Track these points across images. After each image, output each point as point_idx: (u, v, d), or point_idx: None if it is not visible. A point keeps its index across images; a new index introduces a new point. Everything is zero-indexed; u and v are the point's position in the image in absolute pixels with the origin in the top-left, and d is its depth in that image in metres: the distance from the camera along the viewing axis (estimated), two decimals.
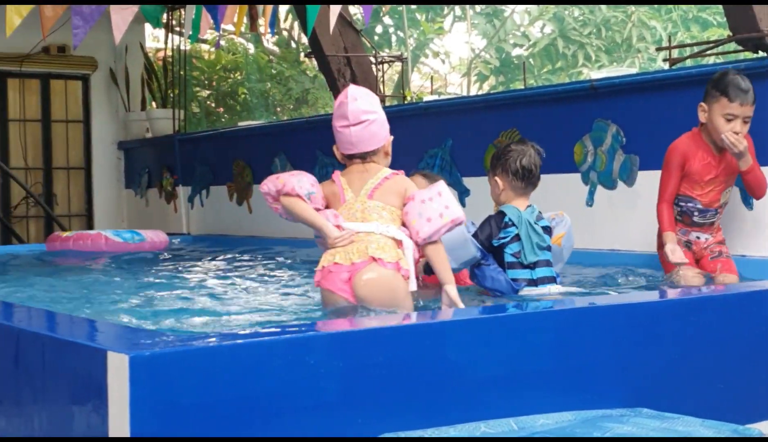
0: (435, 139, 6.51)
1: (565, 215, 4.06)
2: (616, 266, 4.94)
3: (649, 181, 5.17)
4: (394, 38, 17.37)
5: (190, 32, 8.09)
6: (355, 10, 11.60)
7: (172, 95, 10.06)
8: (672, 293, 3.31)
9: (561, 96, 5.75)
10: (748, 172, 4.29)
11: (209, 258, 6.77)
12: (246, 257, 6.69)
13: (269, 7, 7.90)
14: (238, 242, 8.04)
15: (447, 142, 6.43)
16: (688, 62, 6.52)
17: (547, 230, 3.90)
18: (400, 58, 9.51)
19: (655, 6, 15.97)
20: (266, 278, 5.27)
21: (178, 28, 9.86)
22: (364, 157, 3.50)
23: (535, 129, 5.84)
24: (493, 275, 3.74)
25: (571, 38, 16.11)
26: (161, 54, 11.42)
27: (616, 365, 2.67)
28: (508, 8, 16.79)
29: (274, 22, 8.37)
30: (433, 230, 3.36)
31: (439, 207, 3.37)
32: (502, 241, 3.78)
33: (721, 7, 6.17)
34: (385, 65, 9.27)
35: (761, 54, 5.16)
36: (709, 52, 5.90)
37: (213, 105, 15.45)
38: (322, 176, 7.48)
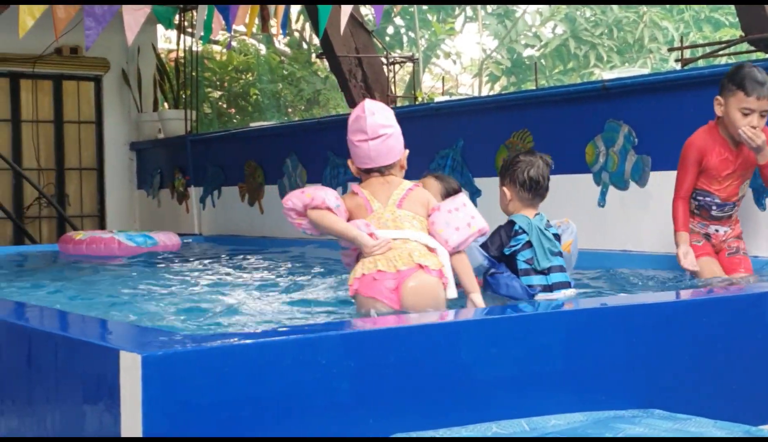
0: (446, 139, 6.51)
1: (571, 222, 4.05)
2: (629, 267, 4.93)
3: (661, 181, 5.15)
4: (405, 39, 17.37)
5: (202, 33, 8.11)
6: (367, 11, 11.61)
7: (184, 96, 10.08)
8: (684, 294, 3.29)
9: (573, 96, 5.74)
10: (766, 166, 4.24)
11: (221, 259, 6.78)
12: (258, 258, 6.70)
13: (281, 8, 7.90)
14: (249, 243, 8.05)
15: (458, 142, 6.43)
16: (701, 63, 6.50)
17: (557, 237, 3.90)
18: (411, 59, 9.52)
19: (667, 6, 15.93)
20: (278, 278, 5.27)
21: (190, 30, 9.89)
22: (382, 170, 3.48)
23: (546, 130, 5.83)
24: (507, 282, 3.74)
25: (583, 39, 16.09)
26: (173, 55, 11.45)
27: (628, 366, 2.66)
28: (520, 9, 16.77)
29: (285, 23, 8.37)
30: (462, 239, 3.39)
31: (465, 217, 3.42)
32: (514, 248, 3.77)
33: (733, 7, 6.15)
34: (397, 66, 9.27)
35: None
36: (721, 52, 5.88)
37: (225, 106, 15.48)
38: (334, 177, 7.51)
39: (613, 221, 5.45)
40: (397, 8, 16.38)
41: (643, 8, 15.70)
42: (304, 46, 16.53)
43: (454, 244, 3.38)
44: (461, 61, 18.39)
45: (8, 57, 9.62)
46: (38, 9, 6.66)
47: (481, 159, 6.24)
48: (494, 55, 17.30)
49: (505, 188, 3.89)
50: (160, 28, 10.90)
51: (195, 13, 8.81)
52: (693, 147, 4.30)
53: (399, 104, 8.99)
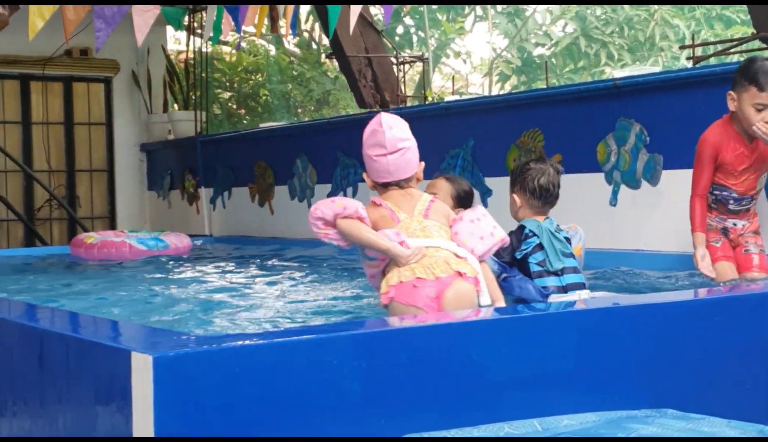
0: (456, 139, 6.50)
1: (579, 228, 4.04)
2: (641, 267, 4.91)
3: (673, 180, 5.14)
4: (415, 38, 17.37)
5: (211, 34, 8.12)
6: (376, 11, 11.61)
7: (193, 97, 10.10)
8: (697, 293, 3.28)
9: (584, 95, 5.72)
10: None
11: (232, 259, 6.78)
12: (268, 258, 6.70)
13: (290, 9, 7.90)
14: (260, 243, 8.05)
15: (468, 142, 6.42)
16: (712, 60, 6.47)
17: (567, 240, 3.89)
18: (421, 59, 9.51)
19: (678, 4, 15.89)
20: (289, 278, 5.27)
21: (199, 31, 9.90)
22: (401, 184, 3.47)
23: (557, 129, 5.82)
24: (520, 285, 3.74)
25: (594, 37, 16.05)
26: (183, 56, 11.47)
27: (641, 366, 2.65)
28: (530, 7, 16.75)
29: (295, 24, 8.38)
30: (487, 248, 3.41)
31: (488, 227, 3.44)
32: (525, 251, 3.77)
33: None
34: (406, 66, 9.27)
35: None
36: (732, 50, 5.86)
37: (234, 107, 15.50)
38: (344, 177, 7.51)
39: (625, 220, 5.43)
40: (407, 8, 16.37)
41: (654, 6, 15.66)
42: (314, 46, 16.54)
43: (480, 253, 3.39)
44: (471, 61, 18.38)
45: (18, 59, 9.66)
46: (48, 11, 6.68)
47: (492, 159, 6.23)
48: (504, 54, 17.28)
49: (515, 195, 3.88)
50: (169, 29, 10.92)
51: (204, 14, 8.83)
52: (707, 143, 4.24)
53: (409, 104, 8.98)
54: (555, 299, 3.71)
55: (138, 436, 2.00)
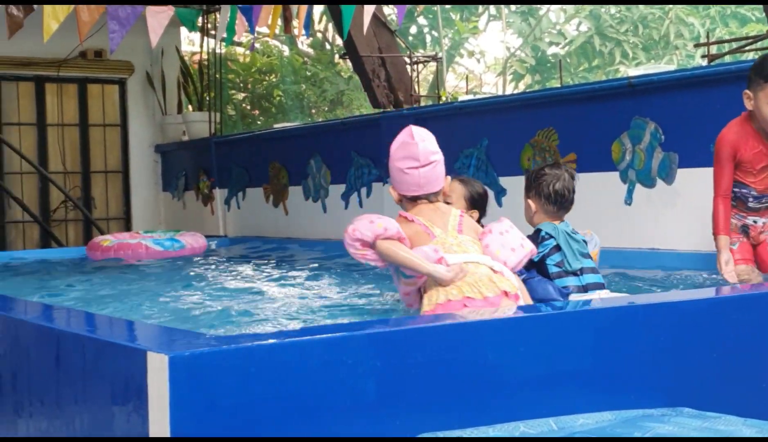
0: (470, 138, 6.49)
1: (594, 234, 4.03)
2: (657, 266, 4.89)
3: (688, 178, 5.12)
4: (428, 38, 17.36)
5: (225, 35, 8.14)
6: (390, 11, 11.60)
7: (207, 98, 10.12)
8: (713, 291, 3.27)
9: (598, 94, 5.70)
10: None
11: (246, 260, 6.80)
12: (282, 259, 6.71)
13: (303, 9, 7.92)
14: (274, 244, 8.07)
15: (483, 141, 6.41)
16: (727, 58, 6.45)
17: (584, 242, 3.89)
18: (434, 58, 9.51)
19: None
20: (303, 278, 5.28)
21: (213, 32, 9.93)
22: (430, 197, 3.44)
23: (572, 128, 5.80)
24: (540, 286, 3.73)
25: (608, 36, 16.01)
26: (197, 57, 11.50)
27: (657, 365, 2.64)
28: (544, 6, 16.71)
29: (308, 24, 8.39)
30: (519, 259, 3.40)
31: (517, 238, 3.44)
32: (542, 253, 3.77)
33: None
34: (420, 65, 9.27)
35: None
36: (747, 47, 5.84)
37: (248, 107, 15.53)
38: (358, 177, 7.52)
39: (640, 219, 5.41)
40: (420, 7, 16.37)
41: (669, 4, 15.60)
42: (327, 46, 16.56)
43: (512, 264, 3.38)
44: (485, 60, 18.36)
45: (33, 61, 9.70)
46: (62, 13, 6.70)
47: (506, 158, 6.22)
48: (518, 53, 17.25)
49: (530, 201, 3.88)
50: (183, 30, 10.96)
51: (218, 15, 8.85)
52: (725, 142, 4.18)
53: (423, 104, 8.98)
54: (575, 298, 3.70)
55: (154, 436, 2.01)
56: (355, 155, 7.51)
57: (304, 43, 16.24)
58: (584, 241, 3.86)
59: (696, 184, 5.07)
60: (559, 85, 7.39)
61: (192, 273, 5.92)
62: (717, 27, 15.53)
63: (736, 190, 4.24)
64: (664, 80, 5.30)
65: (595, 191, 5.52)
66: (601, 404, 2.46)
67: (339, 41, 14.10)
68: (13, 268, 6.87)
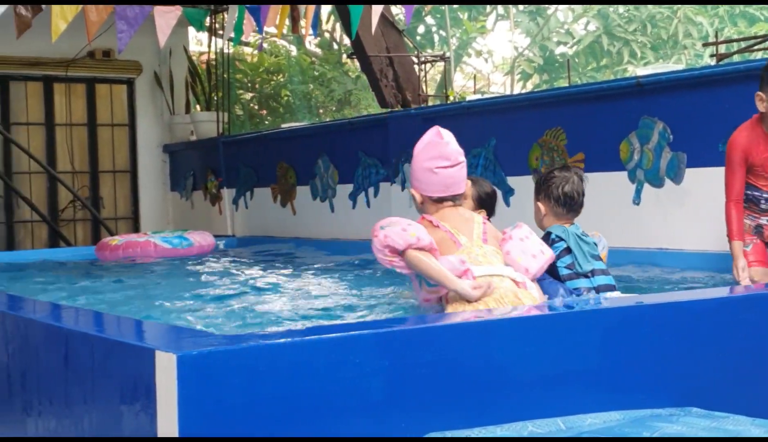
0: (478, 138, 6.49)
1: (601, 236, 4.02)
2: (665, 266, 4.88)
3: (697, 178, 5.11)
4: (436, 37, 17.35)
5: (233, 35, 8.14)
6: (397, 10, 11.61)
7: (215, 98, 10.13)
8: (722, 291, 3.26)
9: (606, 93, 5.69)
10: None
11: (254, 259, 6.80)
12: (290, 258, 6.72)
13: (311, 9, 7.92)
14: (282, 244, 8.07)
15: (490, 141, 6.41)
16: (736, 58, 6.43)
17: (594, 244, 3.88)
18: (442, 58, 9.51)
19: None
20: (311, 278, 5.28)
21: (221, 32, 9.94)
22: (456, 199, 3.42)
23: (580, 127, 5.79)
24: (552, 288, 3.73)
25: (616, 35, 15.97)
26: (205, 57, 11.52)
27: (665, 364, 2.64)
28: (552, 6, 16.69)
29: (316, 24, 8.39)
30: (540, 266, 3.40)
31: (536, 245, 3.43)
32: None
33: None
34: (428, 65, 9.27)
35: None
36: (756, 47, 5.82)
37: (256, 107, 15.54)
38: (365, 177, 7.52)
39: (649, 218, 5.40)
40: (428, 7, 16.36)
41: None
42: (335, 46, 16.56)
43: (534, 271, 3.37)
44: (493, 60, 18.34)
45: (41, 61, 9.72)
46: (71, 13, 6.72)
47: (514, 157, 6.21)
48: (526, 52, 17.23)
49: (539, 203, 3.87)
50: (191, 30, 10.97)
51: (226, 15, 8.86)
52: (736, 146, 4.13)
53: (431, 104, 8.97)
54: None
55: (162, 436, 2.01)
56: (362, 155, 7.51)
57: (311, 43, 16.25)
58: (594, 243, 3.86)
59: (704, 184, 5.06)
60: (567, 85, 7.38)
61: (200, 272, 5.92)
62: (725, 26, 15.49)
63: (748, 192, 4.20)
64: (673, 80, 5.28)
65: (603, 191, 5.51)
66: (609, 404, 2.46)
67: (347, 41, 14.11)
68: (22, 267, 6.89)
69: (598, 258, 3.80)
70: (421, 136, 3.52)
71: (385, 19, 8.68)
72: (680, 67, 6.27)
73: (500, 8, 17.21)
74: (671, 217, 5.29)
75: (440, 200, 3.41)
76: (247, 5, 7.90)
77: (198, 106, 10.44)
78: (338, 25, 15.63)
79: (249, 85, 15.42)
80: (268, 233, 8.65)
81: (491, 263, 3.29)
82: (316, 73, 15.67)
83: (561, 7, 16.61)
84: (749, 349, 2.81)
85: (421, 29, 17.12)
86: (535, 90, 14.96)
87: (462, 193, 3.45)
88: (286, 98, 15.46)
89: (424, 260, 3.18)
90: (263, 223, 8.78)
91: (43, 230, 9.97)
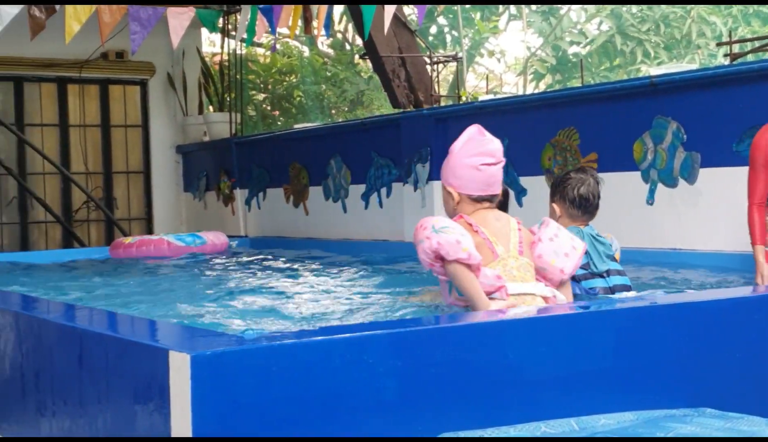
0: None
1: (613, 238, 4.01)
2: (679, 266, 4.87)
3: (711, 178, 5.09)
4: (449, 38, 17.34)
5: (246, 36, 8.16)
6: (410, 11, 11.60)
7: (228, 99, 10.15)
8: (735, 292, 3.25)
9: (620, 93, 5.68)
10: None
11: (267, 259, 6.81)
12: (303, 259, 6.73)
13: (323, 10, 7.93)
14: (295, 244, 8.08)
15: (503, 141, 6.37)
16: (750, 57, 6.40)
17: (609, 245, 3.87)
18: (455, 58, 9.50)
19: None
20: (324, 278, 5.29)
21: (234, 33, 9.96)
22: (493, 199, 3.36)
23: (593, 127, 5.78)
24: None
25: (630, 35, 15.92)
26: (218, 58, 11.54)
27: (679, 365, 2.63)
28: (565, 6, 16.65)
29: (328, 25, 8.40)
30: (574, 263, 3.33)
31: (567, 241, 3.35)
32: None
33: None
34: (440, 65, 9.26)
35: None
36: None
37: (269, 108, 15.56)
38: (377, 177, 7.52)
39: (662, 218, 5.38)
40: (441, 7, 16.35)
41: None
42: (347, 47, 16.56)
43: (570, 270, 3.31)
44: (505, 60, 18.32)
45: (55, 62, 9.76)
46: (84, 14, 6.74)
47: (527, 158, 6.20)
48: (539, 52, 17.20)
49: (555, 204, 3.87)
50: (204, 31, 10.99)
51: (238, 16, 8.88)
52: (759, 148, 4.08)
53: (443, 104, 8.97)
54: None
55: (176, 436, 2.02)
56: (375, 155, 7.51)
57: (324, 44, 16.25)
58: (609, 244, 3.85)
59: (718, 184, 5.04)
60: (580, 85, 7.37)
61: (213, 273, 5.94)
62: (739, 26, 15.42)
63: None
64: (686, 79, 5.27)
65: (617, 191, 5.49)
66: (623, 404, 2.45)
67: (359, 41, 14.10)
68: (36, 267, 6.91)
69: (612, 258, 3.79)
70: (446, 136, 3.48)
71: (398, 20, 8.68)
72: (694, 66, 6.25)
73: (513, 8, 17.18)
74: (685, 217, 5.27)
75: (479, 200, 3.34)
76: (260, 6, 7.92)
77: (211, 107, 10.46)
78: (350, 26, 15.63)
79: (262, 85, 15.43)
80: (280, 233, 8.66)
81: (524, 279, 3.24)
82: (329, 74, 15.67)
83: (574, 6, 16.57)
84: (763, 349, 2.80)
85: (433, 29, 17.11)
86: (548, 90, 14.93)
87: (498, 194, 3.39)
88: (298, 99, 15.47)
89: (467, 277, 3.13)
90: (276, 223, 8.79)
91: (57, 230, 10.01)
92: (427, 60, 9.01)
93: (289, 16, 7.94)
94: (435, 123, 6.66)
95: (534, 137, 6.16)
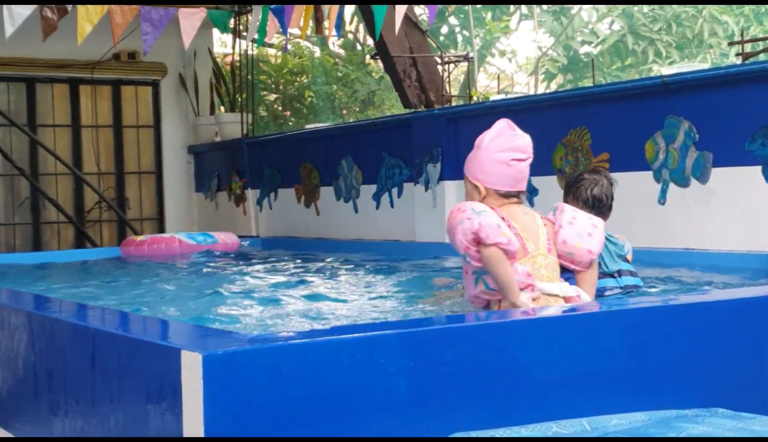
0: None
1: (625, 239, 4.01)
2: (691, 266, 4.85)
3: (723, 178, 5.07)
4: (459, 38, 17.32)
5: (257, 36, 8.17)
6: (421, 11, 11.60)
7: (240, 99, 10.17)
8: (747, 292, 3.23)
9: (631, 93, 5.67)
10: None
11: (278, 259, 6.82)
12: (315, 259, 6.73)
13: (334, 10, 7.94)
14: (306, 244, 8.09)
15: None
16: (762, 56, 6.38)
17: (621, 245, 3.86)
18: (466, 58, 9.49)
19: None
20: (335, 278, 5.29)
21: (245, 33, 9.97)
22: (520, 195, 3.35)
23: (605, 127, 5.77)
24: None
25: (641, 34, 15.88)
26: (229, 59, 11.56)
27: (691, 365, 2.62)
28: (576, 5, 16.62)
29: (339, 25, 8.41)
30: (599, 241, 3.31)
31: (586, 221, 3.34)
32: None
33: None
34: (451, 65, 9.25)
35: None
36: None
37: (280, 108, 15.57)
38: (388, 177, 7.52)
39: (674, 218, 5.37)
40: (452, 7, 16.34)
41: None
42: (358, 47, 16.57)
43: (597, 249, 3.30)
44: (516, 60, 18.29)
45: (67, 63, 9.79)
46: (96, 15, 6.77)
47: (538, 157, 6.13)
48: (550, 52, 17.17)
49: (568, 205, 3.86)
50: (215, 32, 11.01)
51: (250, 17, 8.89)
52: None
53: (454, 104, 8.96)
54: None
55: (188, 435, 2.02)
56: (386, 155, 7.51)
57: (335, 44, 16.26)
58: (621, 244, 3.84)
59: (730, 184, 5.02)
60: (591, 85, 7.35)
61: (225, 272, 5.95)
62: (751, 25, 15.36)
63: None
64: (698, 79, 5.25)
65: (629, 191, 5.48)
66: (635, 405, 2.45)
67: (370, 42, 14.11)
68: (48, 267, 6.94)
69: (624, 259, 3.78)
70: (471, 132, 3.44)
71: (409, 20, 8.68)
72: (706, 66, 6.23)
73: (524, 8, 17.16)
74: (697, 217, 5.25)
75: (507, 195, 3.31)
76: (271, 6, 7.93)
77: (222, 108, 10.48)
78: (361, 26, 15.64)
79: (273, 86, 15.45)
80: (292, 233, 8.67)
81: (551, 279, 3.23)
82: (340, 74, 15.68)
83: (585, 6, 16.54)
84: None
85: (444, 29, 17.10)
86: (560, 90, 14.90)
87: (525, 190, 3.37)
88: (309, 99, 15.48)
89: (504, 263, 3.10)
90: (287, 223, 8.80)
91: (69, 231, 10.04)
92: (438, 60, 9.00)
93: (300, 16, 7.96)
94: (446, 123, 6.66)
95: (545, 137, 6.15)
